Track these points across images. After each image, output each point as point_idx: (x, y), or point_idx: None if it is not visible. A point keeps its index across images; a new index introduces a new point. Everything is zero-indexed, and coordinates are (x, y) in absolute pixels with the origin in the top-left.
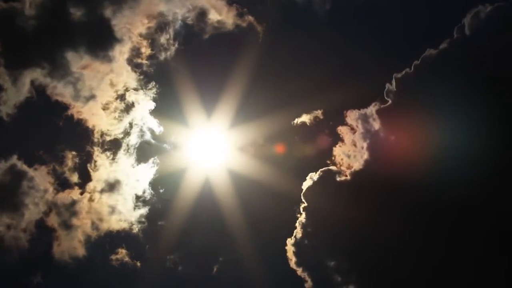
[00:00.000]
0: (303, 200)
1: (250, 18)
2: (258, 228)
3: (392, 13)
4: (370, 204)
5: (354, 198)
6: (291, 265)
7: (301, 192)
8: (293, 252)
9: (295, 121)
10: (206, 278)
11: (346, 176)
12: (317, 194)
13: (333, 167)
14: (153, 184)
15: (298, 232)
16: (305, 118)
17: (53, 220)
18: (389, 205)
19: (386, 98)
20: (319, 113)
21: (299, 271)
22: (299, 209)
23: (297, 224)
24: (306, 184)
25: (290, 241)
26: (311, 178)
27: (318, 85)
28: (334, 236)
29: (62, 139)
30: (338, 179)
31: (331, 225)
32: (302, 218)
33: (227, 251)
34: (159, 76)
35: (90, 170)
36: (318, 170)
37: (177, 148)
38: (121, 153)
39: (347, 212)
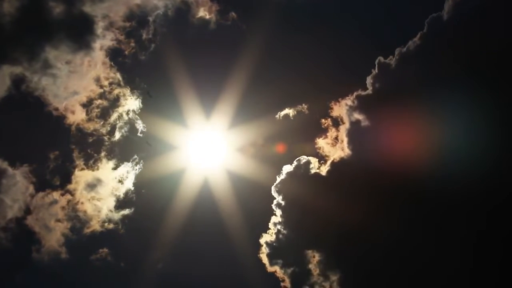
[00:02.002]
0: (274, 195)
1: (234, 15)
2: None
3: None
4: (347, 195)
5: (331, 189)
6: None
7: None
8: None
9: (279, 115)
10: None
11: (324, 167)
12: (288, 188)
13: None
14: (136, 184)
15: (272, 230)
16: (291, 111)
17: (33, 220)
18: (369, 196)
19: (368, 87)
20: (304, 107)
21: None
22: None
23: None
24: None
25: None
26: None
27: (304, 78)
28: (308, 230)
29: (42, 137)
30: (314, 170)
31: (303, 219)
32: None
33: (212, 250)
34: (142, 73)
35: (72, 170)
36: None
37: (158, 148)
38: (104, 152)
39: (321, 204)
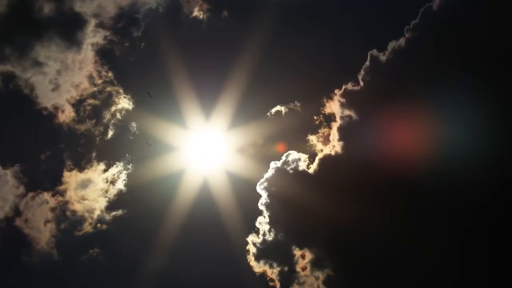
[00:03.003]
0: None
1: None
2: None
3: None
4: (336, 191)
5: (319, 186)
6: None
7: None
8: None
9: (270, 113)
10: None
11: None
12: (275, 185)
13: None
14: (129, 185)
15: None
16: (283, 108)
17: (23, 221)
18: (359, 192)
19: (360, 81)
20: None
21: None
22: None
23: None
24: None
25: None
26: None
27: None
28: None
29: (33, 136)
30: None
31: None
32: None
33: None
34: (133, 72)
35: (62, 170)
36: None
37: (151, 149)
38: (95, 153)
39: (310, 200)
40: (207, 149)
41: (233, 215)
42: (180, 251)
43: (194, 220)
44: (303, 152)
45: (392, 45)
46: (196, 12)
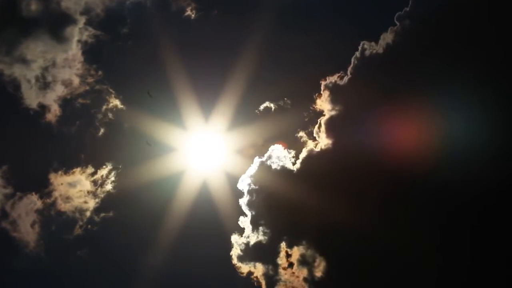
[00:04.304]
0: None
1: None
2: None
3: None
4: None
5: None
6: None
7: None
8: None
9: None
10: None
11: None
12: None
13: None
14: (118, 187)
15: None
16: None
17: (10, 223)
18: (346, 187)
19: (349, 75)
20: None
21: None
22: None
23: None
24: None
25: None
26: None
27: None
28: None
29: (19, 136)
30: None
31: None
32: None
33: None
34: (123, 70)
35: (50, 171)
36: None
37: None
38: (84, 153)
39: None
40: (206, 150)
41: (233, 215)
42: (180, 253)
43: (193, 222)
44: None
45: (384, 36)
46: (189, 12)
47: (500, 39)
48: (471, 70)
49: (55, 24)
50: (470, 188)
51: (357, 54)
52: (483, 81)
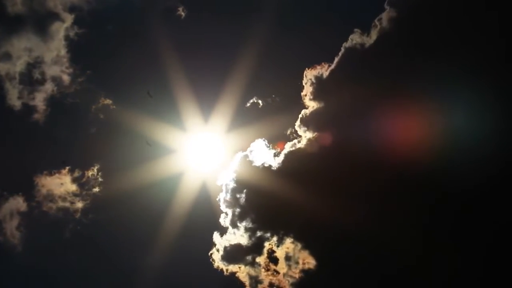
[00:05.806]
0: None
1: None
2: None
3: None
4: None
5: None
6: None
7: None
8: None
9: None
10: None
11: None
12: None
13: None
14: (107, 188)
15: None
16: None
17: None
18: (331, 183)
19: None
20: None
21: None
22: None
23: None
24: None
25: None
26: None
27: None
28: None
29: (3, 135)
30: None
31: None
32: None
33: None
34: (110, 68)
35: (37, 173)
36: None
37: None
38: (73, 153)
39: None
40: (205, 151)
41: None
42: (179, 253)
43: (192, 223)
44: None
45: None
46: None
47: (499, 30)
48: (464, 60)
49: (42, 21)
50: (451, 185)
51: (345, 44)
52: (477, 73)
